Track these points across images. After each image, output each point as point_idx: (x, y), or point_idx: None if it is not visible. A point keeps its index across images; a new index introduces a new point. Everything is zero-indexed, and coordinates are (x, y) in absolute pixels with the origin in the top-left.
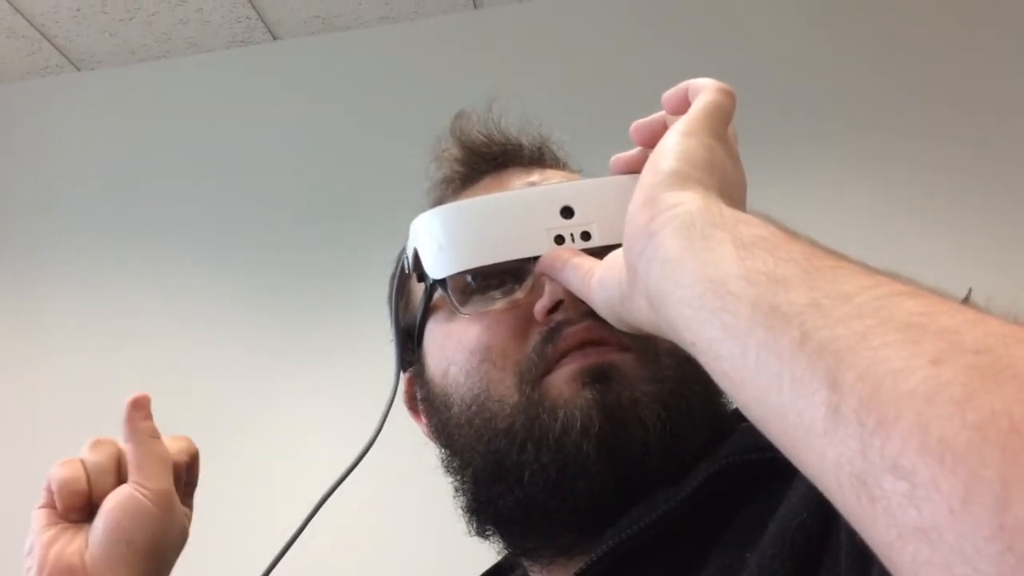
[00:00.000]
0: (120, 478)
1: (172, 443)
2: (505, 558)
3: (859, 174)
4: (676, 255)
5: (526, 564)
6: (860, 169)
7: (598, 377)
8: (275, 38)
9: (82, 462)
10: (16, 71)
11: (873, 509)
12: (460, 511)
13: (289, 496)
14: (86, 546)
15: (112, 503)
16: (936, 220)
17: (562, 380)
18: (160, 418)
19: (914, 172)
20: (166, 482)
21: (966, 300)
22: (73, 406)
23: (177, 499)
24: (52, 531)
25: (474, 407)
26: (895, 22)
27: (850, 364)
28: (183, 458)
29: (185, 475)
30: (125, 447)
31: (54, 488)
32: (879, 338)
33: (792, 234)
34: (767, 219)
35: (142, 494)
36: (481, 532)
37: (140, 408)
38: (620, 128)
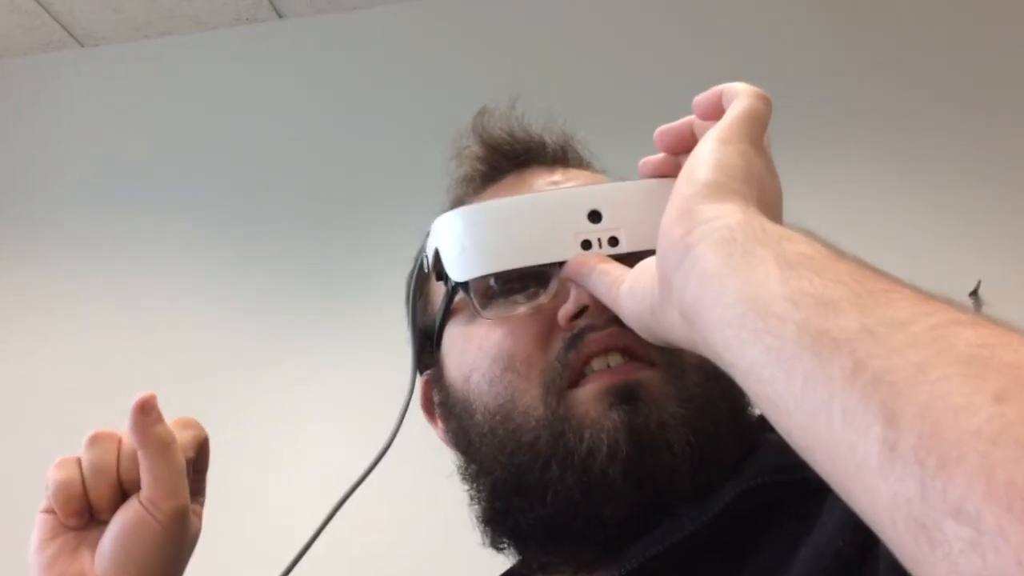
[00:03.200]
0: (121, 477)
1: (180, 433)
2: (516, 565)
3: (865, 168)
4: (716, 271)
5: None
6: (864, 162)
7: (625, 397)
8: (280, 16)
9: (78, 462)
10: (19, 46)
11: (932, 554)
12: (475, 520)
13: (299, 486)
14: (91, 563)
15: (120, 527)
16: (948, 214)
17: (588, 397)
18: (164, 403)
19: (921, 166)
20: (182, 496)
21: (975, 292)
22: (75, 387)
23: (190, 509)
24: (52, 547)
25: (498, 417)
26: (903, 14)
27: (908, 398)
28: (191, 453)
29: (195, 464)
30: (138, 454)
31: (50, 493)
32: (938, 371)
33: (839, 253)
34: (811, 235)
35: (155, 517)
36: (496, 544)
37: (149, 411)
38: (638, 128)
